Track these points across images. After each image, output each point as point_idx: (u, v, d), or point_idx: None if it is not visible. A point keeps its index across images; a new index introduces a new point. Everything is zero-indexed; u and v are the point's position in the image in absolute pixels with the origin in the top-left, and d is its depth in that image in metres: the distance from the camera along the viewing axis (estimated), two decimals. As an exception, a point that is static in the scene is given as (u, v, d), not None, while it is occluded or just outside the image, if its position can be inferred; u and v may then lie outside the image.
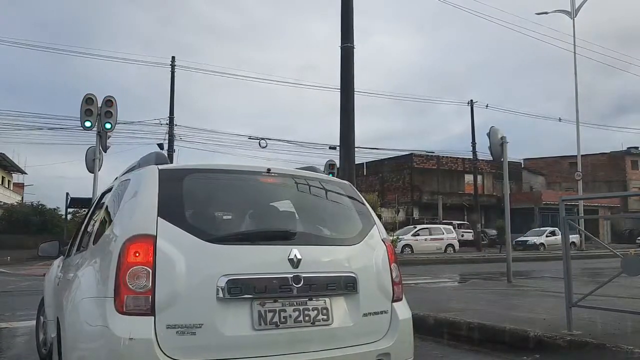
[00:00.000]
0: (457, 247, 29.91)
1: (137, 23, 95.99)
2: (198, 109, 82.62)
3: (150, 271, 2.31)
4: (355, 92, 10.62)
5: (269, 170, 2.97)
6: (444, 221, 35.58)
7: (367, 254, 2.89)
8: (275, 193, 3.02)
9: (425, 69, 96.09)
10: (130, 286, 2.28)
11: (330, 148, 32.96)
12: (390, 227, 29.78)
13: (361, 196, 3.28)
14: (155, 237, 2.36)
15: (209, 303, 2.35)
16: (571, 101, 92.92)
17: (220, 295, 2.37)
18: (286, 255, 2.54)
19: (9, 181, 46.20)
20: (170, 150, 28.72)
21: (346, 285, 2.69)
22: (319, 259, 2.69)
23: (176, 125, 29.08)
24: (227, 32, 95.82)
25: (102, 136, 16.54)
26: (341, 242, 2.89)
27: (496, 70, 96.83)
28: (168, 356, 2.24)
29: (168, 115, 29.04)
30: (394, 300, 2.89)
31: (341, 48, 10.62)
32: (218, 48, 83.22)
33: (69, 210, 31.70)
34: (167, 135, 28.72)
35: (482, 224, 38.97)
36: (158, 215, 2.43)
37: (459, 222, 39.30)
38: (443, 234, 29.83)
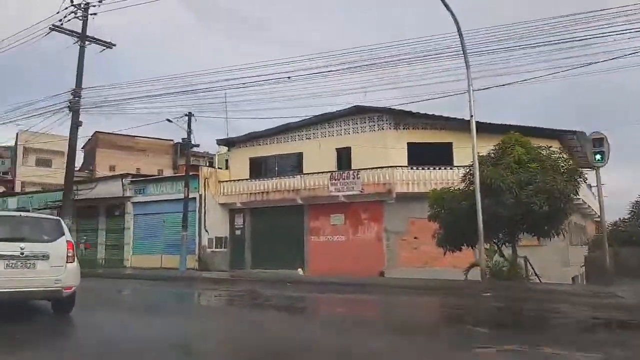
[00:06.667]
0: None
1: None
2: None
3: None
4: None
5: (20, 214, 10.35)
6: None
7: (56, 245, 8.50)
8: (22, 222, 9.01)
9: None
10: None
11: None
12: None
13: (62, 222, 9.26)
14: None
15: None
16: None
17: None
18: (19, 245, 8.05)
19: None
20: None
21: (43, 257, 8.25)
22: (33, 247, 8.20)
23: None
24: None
25: None
26: (46, 240, 8.51)
27: None
28: None
29: None
30: (67, 262, 8.51)
31: None
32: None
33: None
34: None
35: None
36: None
37: None
38: None
